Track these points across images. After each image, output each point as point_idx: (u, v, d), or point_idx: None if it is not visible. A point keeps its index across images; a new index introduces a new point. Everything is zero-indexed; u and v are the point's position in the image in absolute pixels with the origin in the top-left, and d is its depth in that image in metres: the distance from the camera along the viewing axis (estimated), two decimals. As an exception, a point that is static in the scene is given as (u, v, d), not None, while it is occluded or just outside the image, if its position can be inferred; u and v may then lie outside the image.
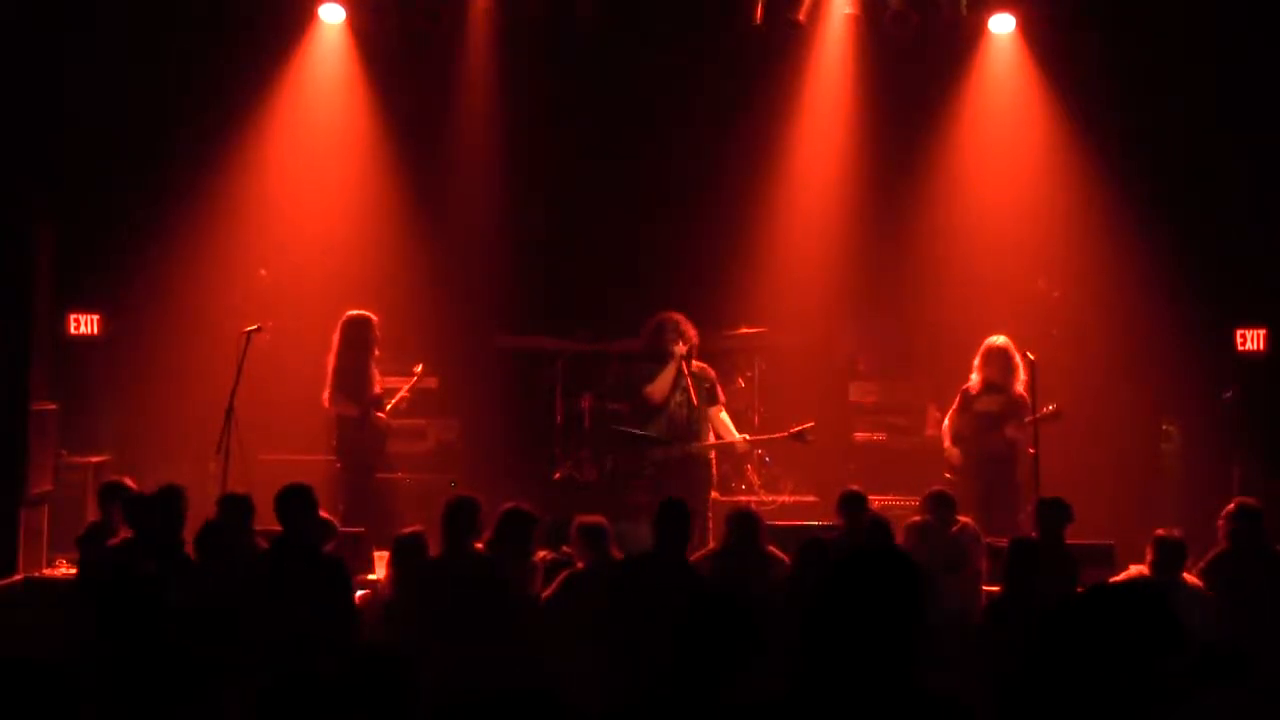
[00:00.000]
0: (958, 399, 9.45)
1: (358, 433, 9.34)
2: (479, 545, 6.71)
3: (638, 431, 8.81)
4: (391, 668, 3.09)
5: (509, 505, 6.86)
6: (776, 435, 9.45)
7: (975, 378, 9.36)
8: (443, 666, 5.50)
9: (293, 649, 5.64)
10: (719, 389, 9.10)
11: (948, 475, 9.18)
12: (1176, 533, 6.87)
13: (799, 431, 9.13)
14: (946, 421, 9.50)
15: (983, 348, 9.36)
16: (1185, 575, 6.79)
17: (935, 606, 6.45)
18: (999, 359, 9.28)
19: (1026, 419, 9.08)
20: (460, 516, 6.62)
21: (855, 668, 2.75)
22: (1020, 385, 9.23)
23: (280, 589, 6.21)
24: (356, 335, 9.36)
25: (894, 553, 3.02)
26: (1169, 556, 6.71)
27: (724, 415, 9.08)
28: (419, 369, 10.13)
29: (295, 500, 6.52)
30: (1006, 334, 9.45)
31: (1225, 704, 3.02)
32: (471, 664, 5.92)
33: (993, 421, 9.26)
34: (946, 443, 9.42)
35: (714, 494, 9.42)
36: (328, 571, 6.44)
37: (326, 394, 9.38)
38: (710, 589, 6.15)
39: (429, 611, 6.33)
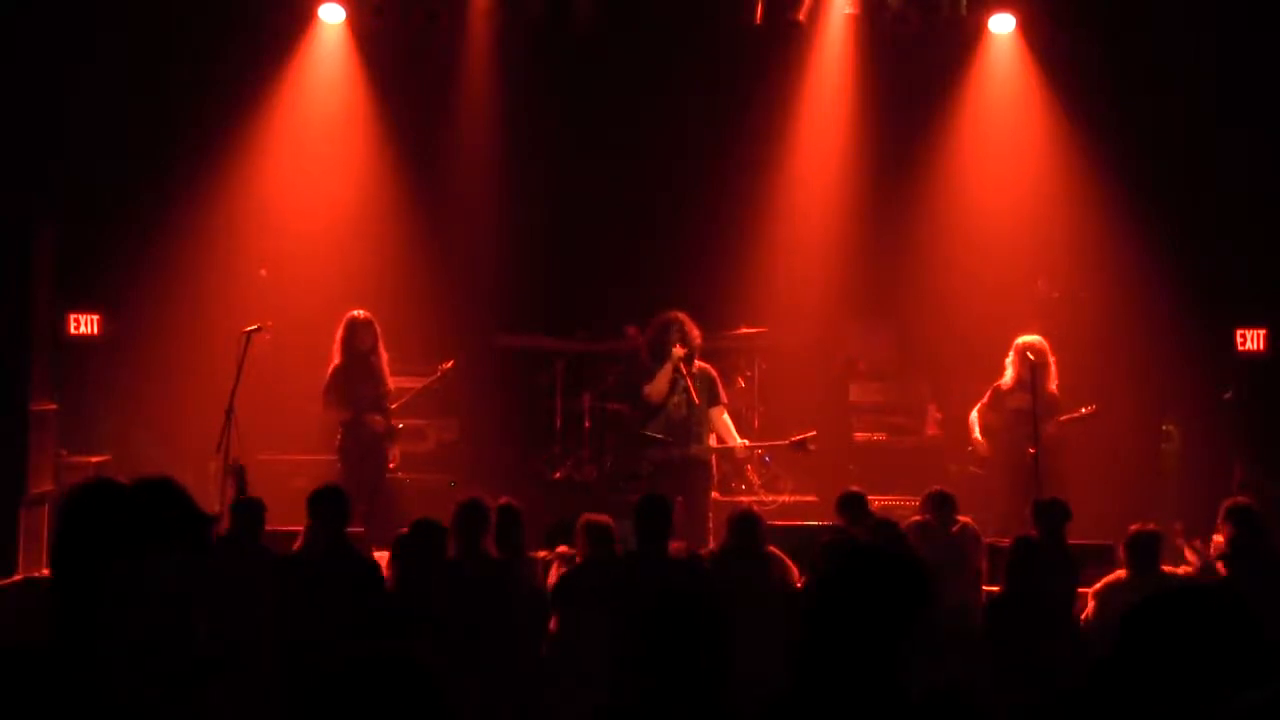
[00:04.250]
0: (989, 394, 9.50)
1: (352, 434, 9.32)
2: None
3: (656, 435, 8.78)
4: (417, 672, 3.06)
5: (500, 501, 6.85)
6: (778, 443, 9.44)
7: (1009, 374, 9.38)
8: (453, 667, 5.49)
9: (327, 651, 5.63)
10: (721, 390, 9.08)
11: (973, 469, 9.19)
12: (1150, 526, 6.84)
13: (800, 440, 9.11)
14: (974, 415, 9.52)
15: (1016, 346, 9.37)
16: (1166, 568, 6.80)
17: (935, 606, 6.50)
18: (1032, 358, 9.28)
19: (1061, 418, 9.08)
20: (473, 518, 6.61)
21: (856, 667, 2.75)
22: (1054, 384, 9.23)
23: (318, 590, 6.24)
24: (348, 336, 9.32)
25: (897, 553, 3.01)
26: (1140, 551, 6.69)
27: (726, 417, 9.07)
28: (448, 365, 10.05)
29: (331, 502, 6.57)
30: (1006, 333, 9.45)
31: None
32: (482, 664, 5.94)
33: (1026, 419, 9.26)
34: (975, 433, 9.44)
35: (715, 494, 9.42)
36: (365, 573, 6.48)
37: (320, 399, 9.37)
38: (679, 588, 6.12)
39: (444, 612, 6.33)
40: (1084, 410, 9.24)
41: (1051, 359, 9.27)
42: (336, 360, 9.28)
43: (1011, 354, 9.39)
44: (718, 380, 9.06)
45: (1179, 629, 2.76)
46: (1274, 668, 2.65)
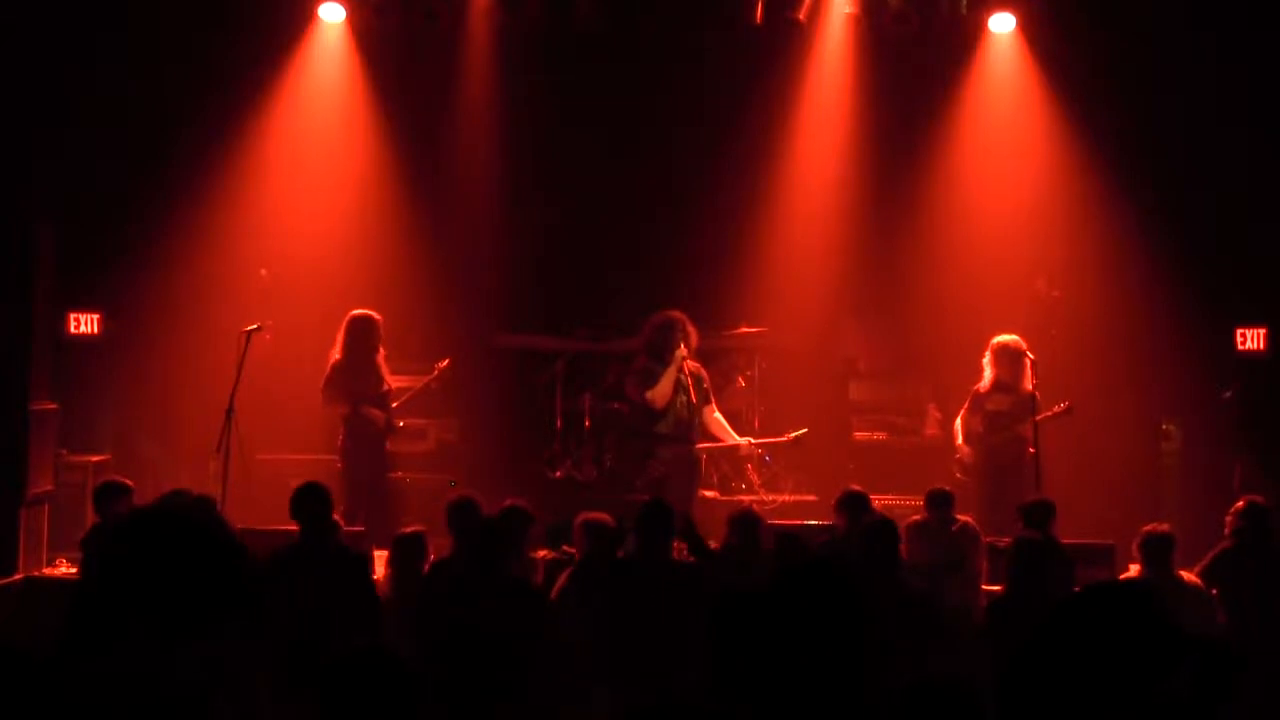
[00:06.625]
0: (968, 400, 9.41)
1: (353, 433, 9.33)
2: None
3: (662, 431, 8.80)
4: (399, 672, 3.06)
5: (507, 503, 6.86)
6: (776, 440, 9.47)
7: (986, 375, 9.33)
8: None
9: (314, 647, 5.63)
10: (710, 390, 9.12)
11: (959, 475, 9.17)
12: (1164, 527, 6.84)
13: (795, 438, 9.16)
14: (958, 422, 9.47)
15: (991, 346, 9.31)
16: (1182, 573, 6.78)
17: (935, 606, 6.50)
18: (1007, 357, 9.23)
19: (1038, 417, 9.03)
20: (461, 517, 6.61)
21: (801, 673, 2.74)
22: (1030, 383, 9.18)
23: (303, 586, 6.24)
24: (354, 333, 9.34)
25: (823, 575, 2.95)
26: (1155, 551, 6.70)
27: (719, 415, 9.10)
28: (444, 364, 10.10)
29: (313, 498, 6.56)
30: (1006, 333, 9.44)
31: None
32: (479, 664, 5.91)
33: (1004, 420, 9.23)
34: (959, 442, 9.41)
35: (715, 494, 9.44)
36: (351, 569, 6.48)
37: (320, 393, 9.38)
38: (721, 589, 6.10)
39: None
40: (1058, 408, 9.13)
41: (1028, 358, 9.21)
42: (338, 355, 9.30)
43: (988, 355, 9.35)
44: (706, 379, 9.09)
45: (1090, 629, 2.76)
46: (1189, 663, 2.64)
